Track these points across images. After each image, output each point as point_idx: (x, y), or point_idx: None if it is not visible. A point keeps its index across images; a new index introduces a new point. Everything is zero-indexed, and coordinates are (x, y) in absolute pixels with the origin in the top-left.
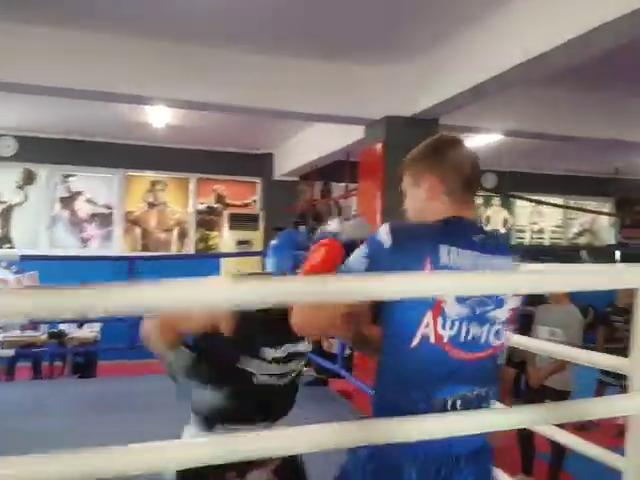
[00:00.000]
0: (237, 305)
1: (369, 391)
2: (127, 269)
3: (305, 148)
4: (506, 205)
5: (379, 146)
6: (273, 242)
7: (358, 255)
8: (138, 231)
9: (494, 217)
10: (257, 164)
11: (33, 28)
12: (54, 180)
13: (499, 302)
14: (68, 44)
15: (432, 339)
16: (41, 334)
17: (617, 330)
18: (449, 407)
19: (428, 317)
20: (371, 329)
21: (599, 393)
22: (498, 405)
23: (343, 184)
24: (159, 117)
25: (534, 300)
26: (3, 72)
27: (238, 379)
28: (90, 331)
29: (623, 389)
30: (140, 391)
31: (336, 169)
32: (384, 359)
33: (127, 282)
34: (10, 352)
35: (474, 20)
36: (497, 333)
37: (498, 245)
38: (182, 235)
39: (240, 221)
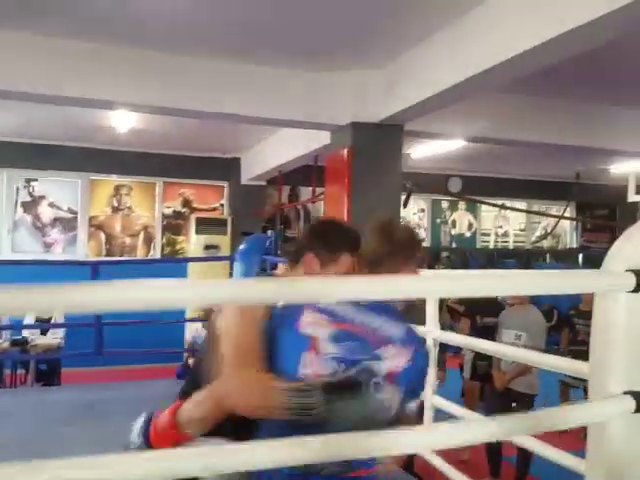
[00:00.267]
0: (197, 303)
1: None
2: (91, 274)
3: (272, 152)
4: (471, 209)
5: (345, 151)
6: (241, 247)
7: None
8: (103, 236)
9: (459, 221)
10: (224, 168)
11: None
12: (16, 184)
13: (375, 356)
14: (29, 48)
15: (312, 377)
16: (3, 342)
17: (579, 333)
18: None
19: (307, 356)
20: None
21: (563, 394)
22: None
23: (310, 188)
24: (123, 121)
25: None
26: None
27: None
28: (54, 338)
29: (586, 391)
30: (106, 399)
31: (303, 173)
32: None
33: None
34: None
35: (439, 28)
36: (376, 386)
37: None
38: (148, 240)
39: (207, 225)
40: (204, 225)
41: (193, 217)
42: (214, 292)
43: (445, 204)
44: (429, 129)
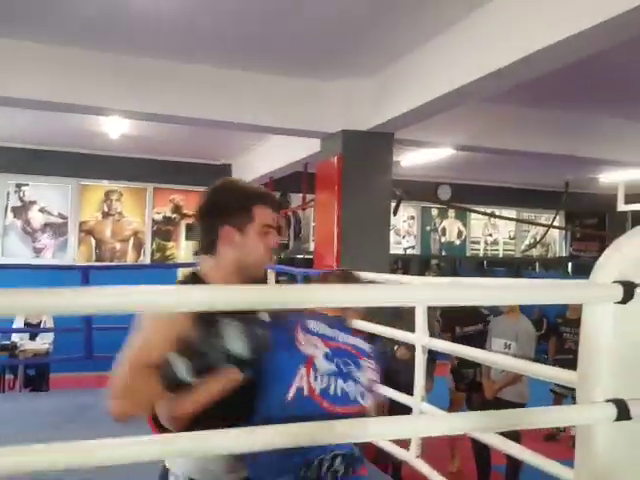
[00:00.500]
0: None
1: None
2: (81, 279)
3: (263, 159)
4: (461, 217)
5: (336, 159)
6: None
7: None
8: (93, 241)
9: (449, 229)
10: (215, 174)
11: None
12: (7, 189)
13: (358, 365)
14: (25, 55)
15: (305, 391)
16: None
17: (566, 341)
18: (327, 462)
19: (302, 371)
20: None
21: (557, 404)
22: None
23: (301, 195)
24: (115, 127)
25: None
26: None
27: None
28: (42, 343)
29: (574, 400)
30: (94, 404)
31: (294, 180)
32: (255, 418)
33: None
34: None
35: (429, 38)
36: (362, 394)
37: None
38: (138, 245)
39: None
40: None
41: (183, 223)
42: (209, 297)
43: (435, 212)
44: (418, 137)
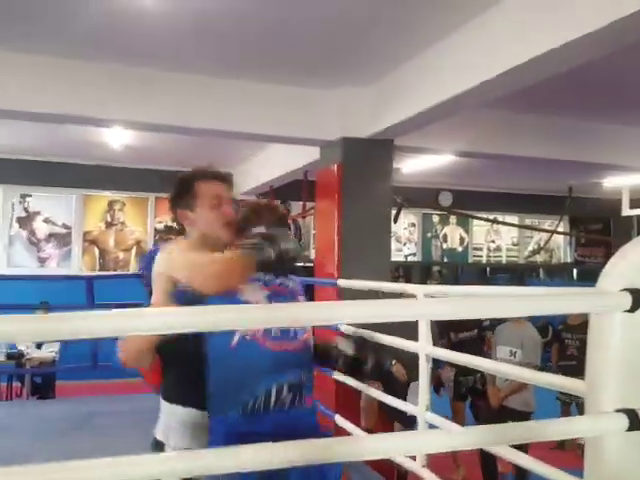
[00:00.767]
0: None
1: (330, 413)
2: (85, 288)
3: (263, 167)
4: (463, 223)
5: (335, 167)
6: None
7: None
8: (96, 251)
9: (451, 235)
10: None
11: None
12: (11, 200)
13: (292, 294)
14: (28, 68)
15: (248, 336)
16: None
17: (568, 347)
18: (274, 395)
19: None
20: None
21: (565, 413)
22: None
23: (301, 203)
24: (117, 138)
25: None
26: None
27: None
28: (49, 351)
29: (580, 407)
30: (101, 411)
31: (294, 188)
32: (208, 371)
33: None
34: None
35: (428, 45)
36: (299, 331)
37: None
38: (141, 254)
39: None
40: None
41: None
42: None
43: (436, 218)
44: (418, 144)
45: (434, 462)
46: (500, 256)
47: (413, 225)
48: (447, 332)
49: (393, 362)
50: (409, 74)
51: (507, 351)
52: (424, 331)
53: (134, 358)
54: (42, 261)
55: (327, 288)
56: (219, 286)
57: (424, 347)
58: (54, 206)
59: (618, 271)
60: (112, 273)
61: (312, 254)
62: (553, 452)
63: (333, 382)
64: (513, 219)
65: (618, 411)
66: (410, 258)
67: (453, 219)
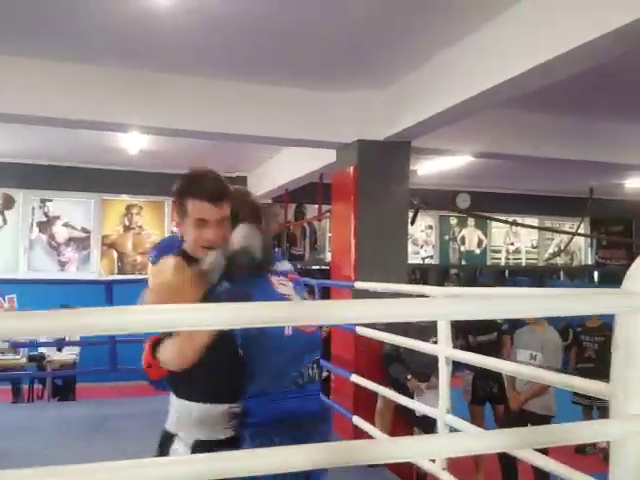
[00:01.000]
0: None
1: (348, 414)
2: (104, 292)
3: (278, 171)
4: (481, 225)
5: (352, 169)
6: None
7: None
8: (115, 254)
9: (469, 237)
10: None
11: (9, 58)
12: (32, 205)
13: (301, 285)
14: (47, 75)
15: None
16: (21, 357)
17: (586, 350)
18: (309, 370)
19: None
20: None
21: (588, 417)
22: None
23: (316, 206)
24: (134, 143)
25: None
26: None
27: None
28: (69, 354)
29: (600, 410)
30: (120, 414)
31: (309, 191)
32: (259, 358)
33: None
34: None
35: (444, 46)
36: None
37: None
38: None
39: None
40: None
41: None
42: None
43: (453, 220)
44: (436, 146)
45: (454, 465)
46: (519, 259)
47: (430, 227)
48: (465, 335)
49: (408, 377)
50: (425, 76)
51: (527, 355)
52: (443, 332)
53: (189, 359)
54: (62, 265)
55: (343, 290)
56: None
57: (444, 350)
58: (73, 210)
59: None
60: (130, 277)
61: (328, 257)
62: (574, 456)
63: (352, 385)
64: (533, 221)
65: None
66: (427, 261)
67: (471, 221)
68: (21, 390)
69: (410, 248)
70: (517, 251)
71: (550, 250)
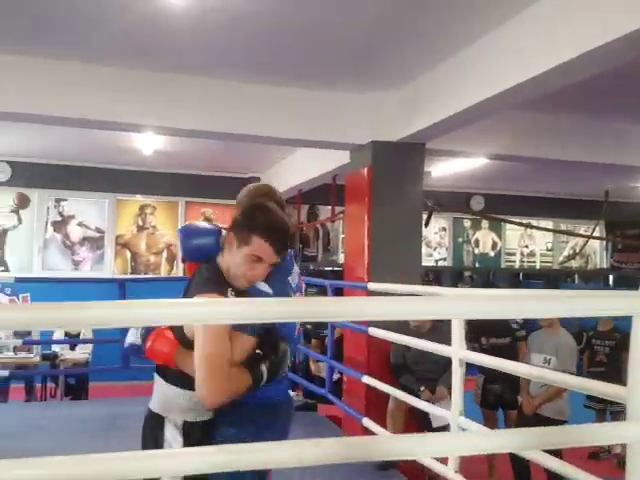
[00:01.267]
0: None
1: (358, 417)
2: (118, 291)
3: (292, 172)
4: (495, 228)
5: (365, 170)
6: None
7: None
8: (128, 254)
9: (483, 240)
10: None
11: (25, 59)
12: (47, 204)
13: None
14: (62, 75)
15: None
16: (34, 356)
17: (597, 354)
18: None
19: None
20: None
21: (601, 421)
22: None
23: (330, 207)
24: (148, 144)
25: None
26: None
27: None
28: (82, 352)
29: (613, 415)
30: (131, 413)
31: (322, 192)
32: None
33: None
34: (4, 373)
35: (461, 46)
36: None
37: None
38: (171, 258)
39: None
40: None
41: None
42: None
43: (467, 223)
44: (451, 147)
45: (466, 470)
46: (534, 261)
47: (444, 229)
48: (478, 337)
49: (422, 388)
50: (441, 76)
51: (541, 358)
52: (457, 333)
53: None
54: (76, 264)
55: (357, 291)
56: None
57: (458, 351)
58: (88, 210)
59: None
60: (144, 276)
61: (341, 258)
62: (588, 462)
63: (364, 386)
64: (547, 224)
65: None
66: (440, 263)
67: (485, 224)
68: (34, 388)
69: (423, 250)
70: (532, 254)
71: (565, 253)
